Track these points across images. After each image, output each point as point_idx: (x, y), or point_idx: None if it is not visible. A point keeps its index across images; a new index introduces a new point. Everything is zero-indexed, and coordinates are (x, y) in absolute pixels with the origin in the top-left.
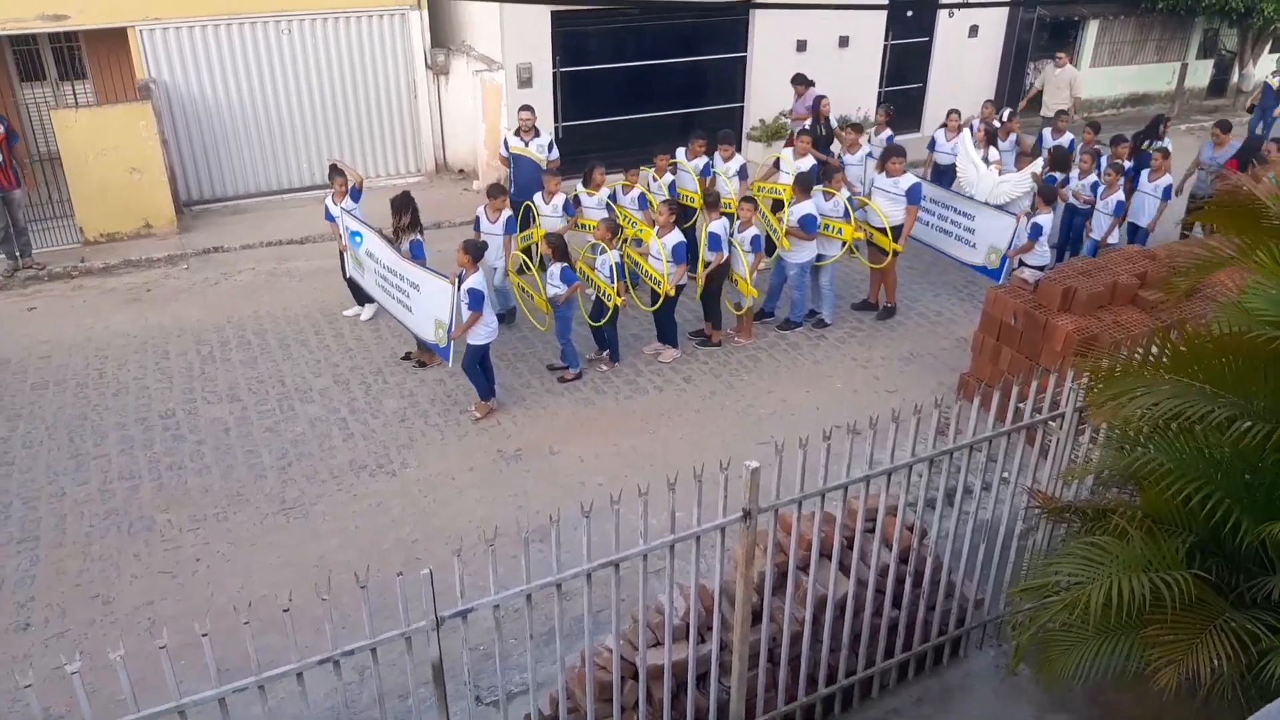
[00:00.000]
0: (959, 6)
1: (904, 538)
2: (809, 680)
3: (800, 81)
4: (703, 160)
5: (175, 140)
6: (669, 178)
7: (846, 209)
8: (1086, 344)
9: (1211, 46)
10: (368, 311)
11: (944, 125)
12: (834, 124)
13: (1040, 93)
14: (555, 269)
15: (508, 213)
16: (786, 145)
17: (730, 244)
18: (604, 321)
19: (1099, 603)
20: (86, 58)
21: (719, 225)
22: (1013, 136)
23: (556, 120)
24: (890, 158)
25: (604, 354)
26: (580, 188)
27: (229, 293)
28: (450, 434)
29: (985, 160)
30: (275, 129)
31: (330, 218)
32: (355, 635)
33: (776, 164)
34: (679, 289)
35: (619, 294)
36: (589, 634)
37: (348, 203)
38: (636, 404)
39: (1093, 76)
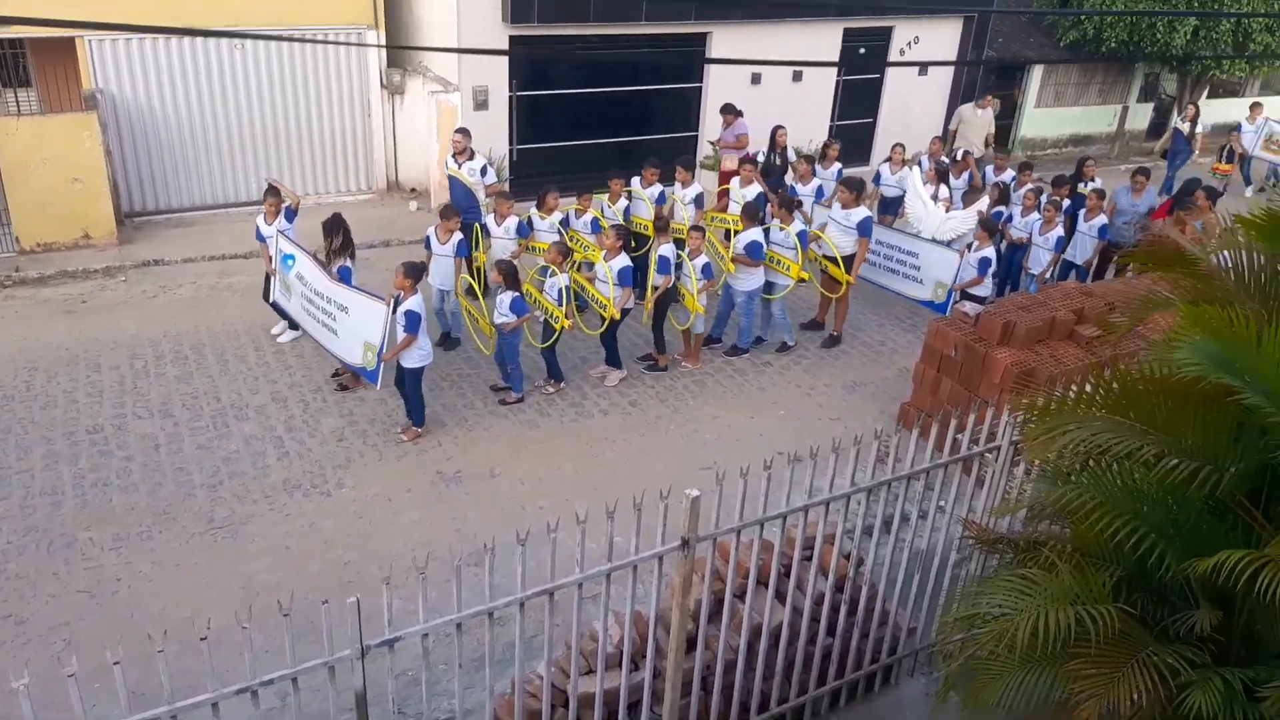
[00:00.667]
0: (906, 65)
1: (840, 566)
2: (741, 708)
3: (729, 111)
4: (658, 188)
5: (120, 151)
6: (623, 203)
7: (796, 243)
8: (1024, 377)
9: (1152, 91)
10: (283, 330)
11: (889, 159)
12: (791, 155)
13: (955, 132)
14: (505, 298)
15: (459, 235)
16: (723, 181)
17: (680, 266)
18: (549, 344)
19: (1026, 634)
20: (32, 65)
21: (669, 249)
22: (966, 174)
23: (511, 143)
24: (841, 189)
25: (550, 380)
26: (534, 211)
27: (167, 306)
28: (389, 454)
29: (935, 198)
30: (224, 143)
31: (261, 238)
32: (279, 659)
33: (726, 193)
34: (624, 313)
35: (566, 316)
36: (520, 661)
37: (281, 223)
38: (581, 427)
39: (1037, 117)
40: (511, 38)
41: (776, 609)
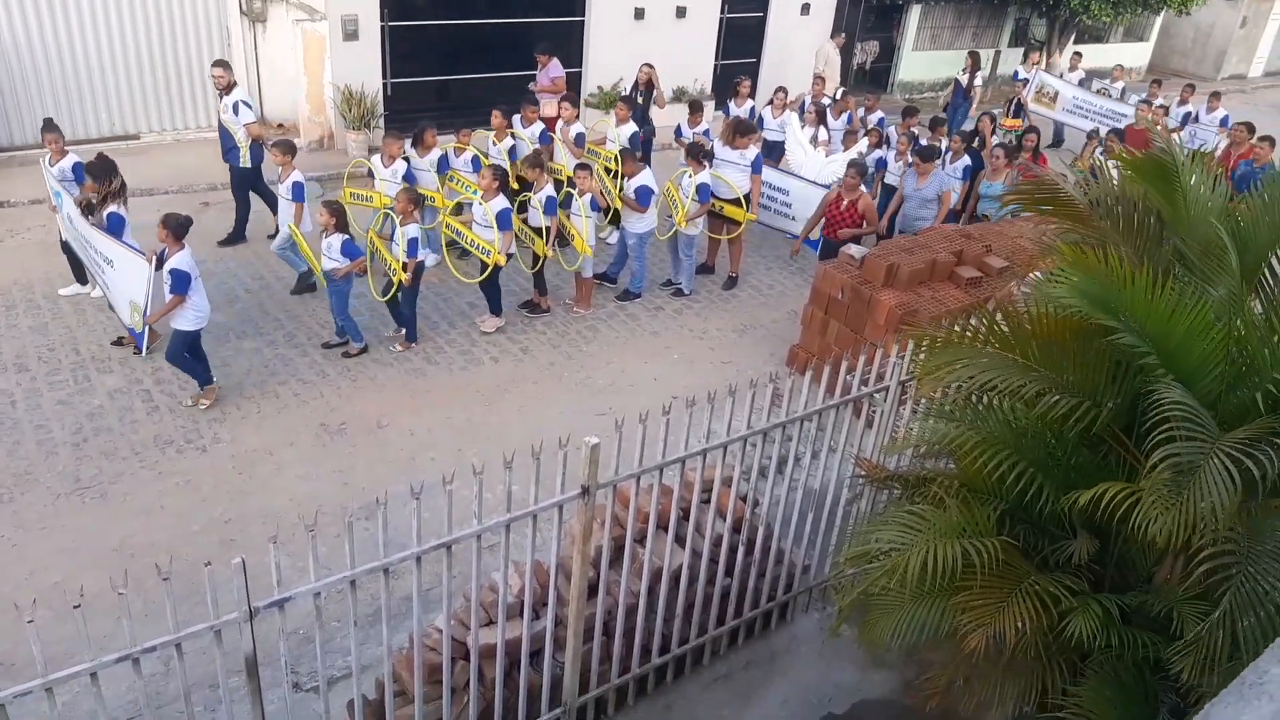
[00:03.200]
0: None
1: (737, 508)
2: (643, 651)
3: (543, 52)
4: (538, 126)
5: None
6: (509, 142)
7: (694, 193)
8: (908, 318)
9: (1022, 35)
10: (100, 290)
11: (770, 103)
12: (664, 94)
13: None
14: (335, 240)
15: (296, 176)
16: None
17: (566, 204)
18: (389, 297)
19: (916, 568)
20: None
21: (551, 188)
22: (845, 115)
23: (385, 77)
24: (740, 134)
25: (400, 332)
26: (409, 149)
27: (15, 251)
28: (268, 406)
29: (814, 140)
30: (69, 74)
31: None
32: (160, 623)
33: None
34: (508, 257)
35: (404, 269)
36: (418, 616)
37: (69, 160)
38: (471, 375)
39: (915, 59)
40: None
41: (676, 552)
